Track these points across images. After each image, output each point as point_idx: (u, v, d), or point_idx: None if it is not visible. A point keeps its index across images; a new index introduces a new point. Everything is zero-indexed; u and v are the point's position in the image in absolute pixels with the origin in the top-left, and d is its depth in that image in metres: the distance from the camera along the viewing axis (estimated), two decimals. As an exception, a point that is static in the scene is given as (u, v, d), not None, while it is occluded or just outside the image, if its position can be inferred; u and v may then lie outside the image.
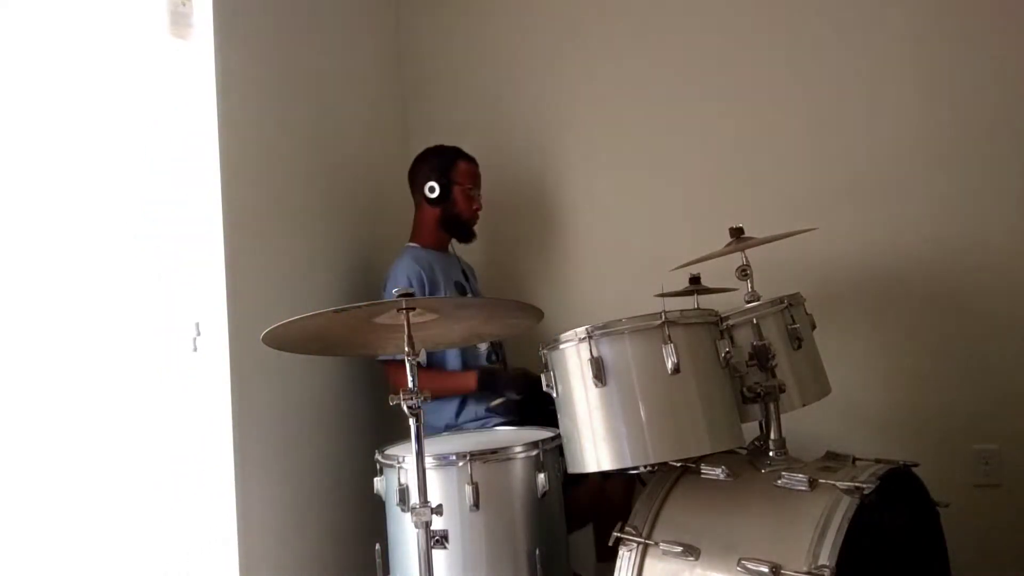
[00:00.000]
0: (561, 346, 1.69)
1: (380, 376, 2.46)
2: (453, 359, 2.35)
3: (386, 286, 2.36)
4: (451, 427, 2.31)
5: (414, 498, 1.50)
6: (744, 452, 1.78)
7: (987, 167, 2.38)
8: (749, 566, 1.49)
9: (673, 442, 1.62)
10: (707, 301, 2.10)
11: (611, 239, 2.78)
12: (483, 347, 2.40)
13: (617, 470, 1.67)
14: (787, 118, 2.58)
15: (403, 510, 1.72)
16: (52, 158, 1.76)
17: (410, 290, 1.48)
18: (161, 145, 1.89)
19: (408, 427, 1.49)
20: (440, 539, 1.68)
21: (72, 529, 1.71)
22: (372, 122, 2.82)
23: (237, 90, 2.02)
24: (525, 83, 2.91)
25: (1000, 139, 2.37)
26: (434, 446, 1.91)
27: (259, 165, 2.10)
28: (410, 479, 1.72)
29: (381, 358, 2.24)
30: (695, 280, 2.12)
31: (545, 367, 1.74)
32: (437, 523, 1.55)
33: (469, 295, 2.50)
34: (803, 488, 1.58)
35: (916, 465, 1.68)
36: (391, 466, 1.79)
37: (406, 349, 1.49)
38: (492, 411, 2.30)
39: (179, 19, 1.91)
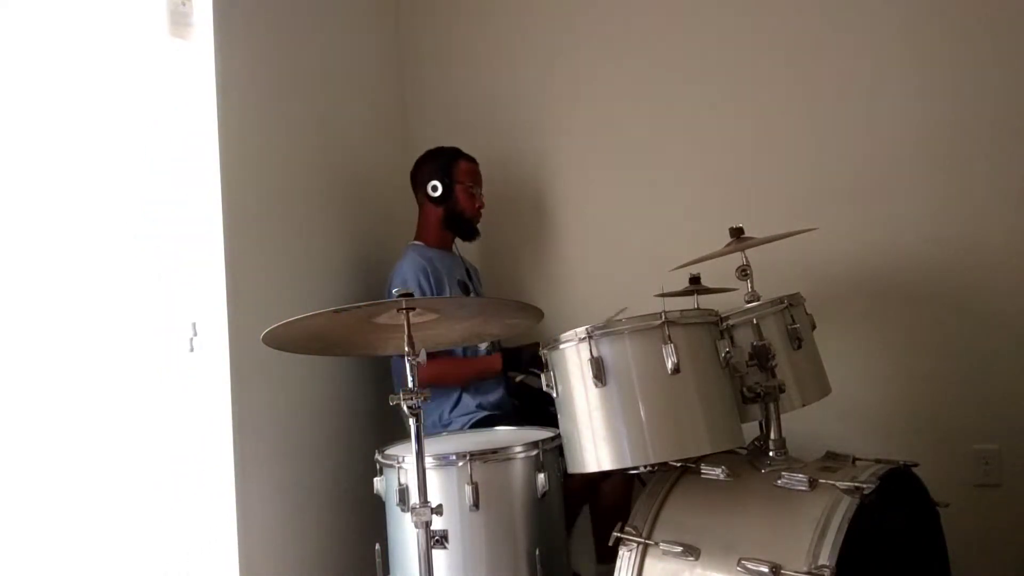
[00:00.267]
0: (561, 346, 1.69)
1: (380, 376, 2.46)
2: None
3: (392, 283, 2.35)
4: (445, 424, 2.31)
5: (414, 498, 1.50)
6: (744, 452, 1.78)
7: (987, 167, 2.38)
8: (749, 566, 1.49)
9: (673, 442, 1.62)
10: (707, 301, 2.10)
11: (611, 239, 2.78)
12: (483, 347, 2.41)
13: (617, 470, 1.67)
14: (787, 118, 2.58)
15: (403, 510, 1.73)
16: (52, 158, 1.76)
17: (410, 290, 1.48)
18: (161, 145, 1.89)
19: (408, 427, 1.50)
20: (440, 539, 1.69)
21: (72, 530, 1.71)
22: (372, 122, 2.82)
23: (237, 90, 2.02)
24: (525, 83, 2.91)
25: (1000, 139, 2.37)
26: (434, 446, 1.91)
27: (259, 165, 2.10)
28: (410, 479, 1.72)
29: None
30: (695, 280, 2.12)
31: (545, 367, 1.74)
32: (437, 523, 1.55)
33: (472, 295, 2.50)
34: (803, 488, 1.58)
35: (916, 465, 1.68)
36: (391, 466, 1.79)
37: (406, 349, 1.50)
38: (518, 386, 2.38)
39: (179, 19, 1.91)
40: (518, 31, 2.93)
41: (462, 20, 3.01)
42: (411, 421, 1.48)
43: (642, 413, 1.61)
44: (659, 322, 1.61)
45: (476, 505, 1.70)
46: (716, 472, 1.67)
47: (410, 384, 1.49)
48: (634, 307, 1.72)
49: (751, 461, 1.74)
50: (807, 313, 1.91)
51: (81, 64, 1.80)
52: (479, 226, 2.55)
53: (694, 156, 2.68)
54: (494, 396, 2.40)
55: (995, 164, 2.37)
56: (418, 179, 2.51)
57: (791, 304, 1.84)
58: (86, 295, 1.78)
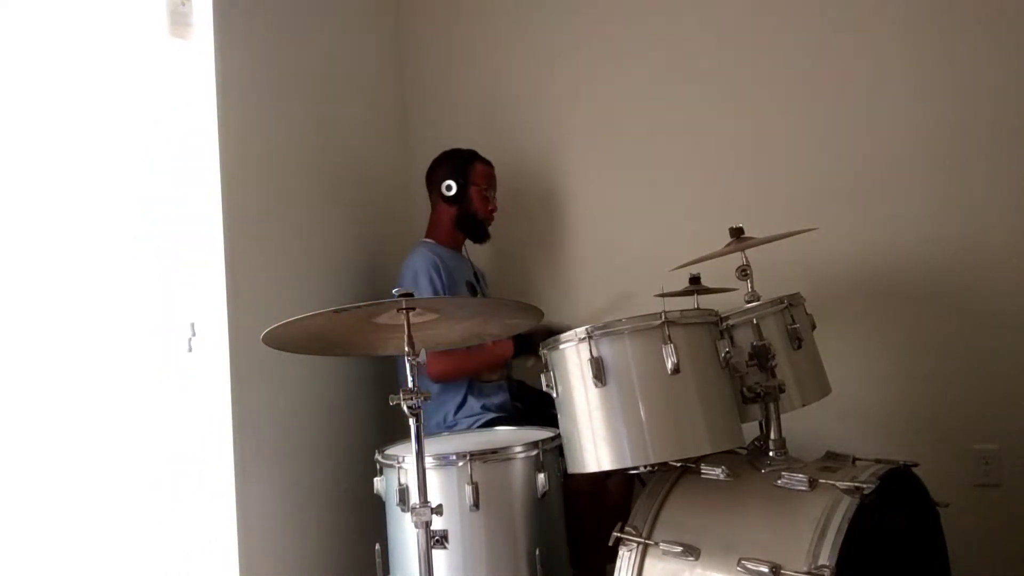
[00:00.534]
0: (561, 346, 1.69)
1: (381, 376, 2.46)
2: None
3: (403, 277, 2.35)
4: (450, 426, 2.31)
5: (414, 498, 1.50)
6: (744, 452, 1.78)
7: (987, 167, 2.38)
8: (749, 566, 1.49)
9: (673, 442, 1.62)
10: (707, 301, 2.10)
11: (611, 239, 2.78)
12: None
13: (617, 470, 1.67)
14: (787, 118, 2.58)
15: (403, 510, 1.73)
16: (52, 158, 1.75)
17: (411, 290, 1.48)
18: (161, 145, 1.89)
19: (408, 427, 1.50)
20: (440, 539, 1.69)
21: (72, 530, 1.71)
22: (372, 122, 2.82)
23: (237, 90, 2.02)
24: (525, 83, 2.91)
25: (1000, 139, 2.37)
26: (434, 446, 1.91)
27: (259, 165, 2.10)
28: (410, 479, 1.72)
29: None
30: (695, 280, 2.12)
31: (545, 367, 1.74)
32: (437, 523, 1.56)
33: (479, 297, 2.51)
34: (803, 488, 1.58)
35: (916, 465, 1.68)
36: (391, 466, 1.79)
37: (406, 349, 1.49)
38: (521, 389, 2.47)
39: (179, 19, 1.91)
40: (518, 31, 2.93)
41: (462, 20, 3.01)
42: (411, 421, 1.48)
43: (642, 413, 1.61)
44: (659, 322, 1.61)
45: (476, 505, 1.70)
46: (716, 472, 1.67)
47: (410, 384, 1.49)
48: (634, 307, 1.72)
49: (751, 461, 1.74)
50: (807, 313, 1.91)
51: (81, 64, 1.80)
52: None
53: (694, 156, 2.68)
54: (499, 398, 2.41)
55: (995, 164, 2.37)
56: (433, 178, 2.52)
57: (791, 304, 1.84)
58: (86, 295, 1.78)
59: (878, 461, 1.68)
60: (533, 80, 2.90)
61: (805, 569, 1.44)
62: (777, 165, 2.58)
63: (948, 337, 2.41)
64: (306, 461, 2.19)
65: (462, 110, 2.97)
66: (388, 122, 2.95)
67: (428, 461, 1.66)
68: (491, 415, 2.31)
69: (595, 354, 1.62)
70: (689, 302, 2.13)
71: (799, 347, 1.82)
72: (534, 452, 1.80)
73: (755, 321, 1.78)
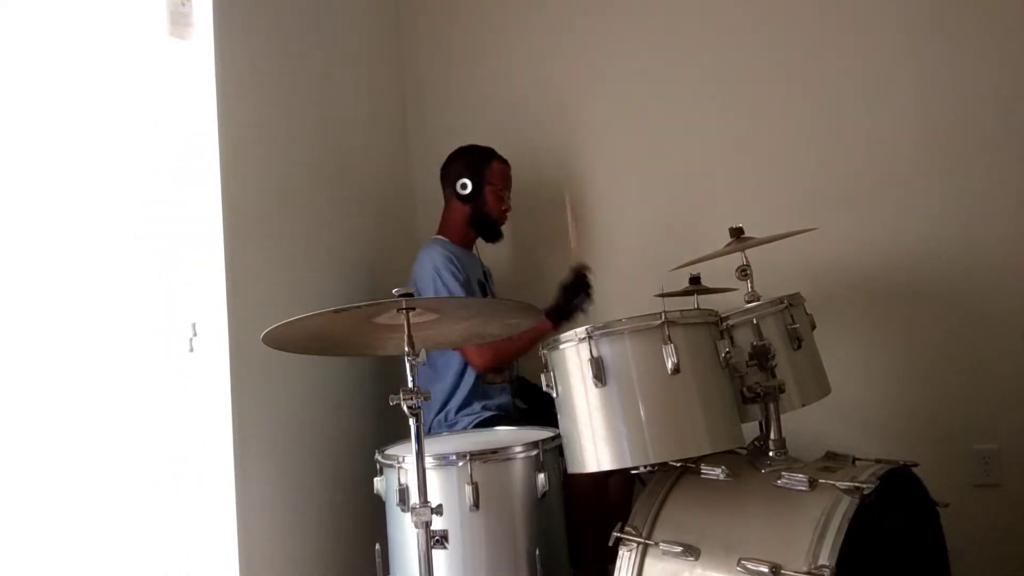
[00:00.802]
0: (561, 346, 1.69)
1: (381, 376, 2.46)
2: (456, 359, 2.36)
3: (422, 272, 2.33)
4: (451, 424, 2.31)
5: (414, 498, 1.50)
6: (744, 452, 1.78)
7: (986, 167, 2.38)
8: (749, 566, 1.49)
9: (673, 442, 1.62)
10: (707, 301, 2.10)
11: (610, 239, 2.78)
12: None
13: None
14: (787, 118, 2.58)
15: (403, 510, 1.72)
16: (52, 158, 1.76)
17: (410, 289, 1.48)
18: (161, 145, 1.89)
19: (408, 427, 1.49)
20: (440, 539, 1.68)
21: (72, 530, 1.71)
22: (372, 122, 2.82)
23: (237, 90, 2.02)
24: (525, 84, 2.91)
25: (1000, 139, 2.37)
26: (434, 446, 1.91)
27: (259, 165, 2.10)
28: (410, 479, 1.72)
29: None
30: (695, 280, 2.12)
31: (545, 367, 1.74)
32: (437, 523, 1.55)
33: (488, 297, 2.50)
34: (803, 488, 1.58)
35: (916, 465, 1.69)
36: (391, 466, 1.79)
37: (406, 349, 1.49)
38: (523, 388, 2.48)
39: (179, 19, 1.91)
40: (518, 31, 2.93)
41: (462, 20, 3.01)
42: (411, 421, 1.48)
43: (642, 413, 1.60)
44: (659, 322, 1.61)
45: (476, 505, 1.70)
46: (716, 472, 1.67)
47: (410, 384, 1.49)
48: (634, 307, 1.72)
49: (751, 461, 1.74)
50: (807, 313, 1.91)
51: (81, 64, 1.80)
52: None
53: (694, 156, 2.68)
54: (501, 399, 2.41)
55: (995, 164, 2.37)
56: (448, 174, 2.49)
57: (791, 304, 1.84)
58: (86, 295, 1.78)
59: (878, 461, 1.69)
60: (533, 80, 2.90)
61: (805, 569, 1.44)
62: (777, 165, 2.58)
63: (948, 337, 2.41)
64: (306, 461, 2.19)
65: (462, 110, 2.97)
66: (388, 122, 2.95)
67: (428, 461, 1.66)
68: (490, 413, 2.31)
69: (595, 354, 1.62)
70: (689, 302, 2.13)
71: (799, 347, 1.82)
72: (534, 452, 1.80)
73: (755, 321, 1.78)
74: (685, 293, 2.13)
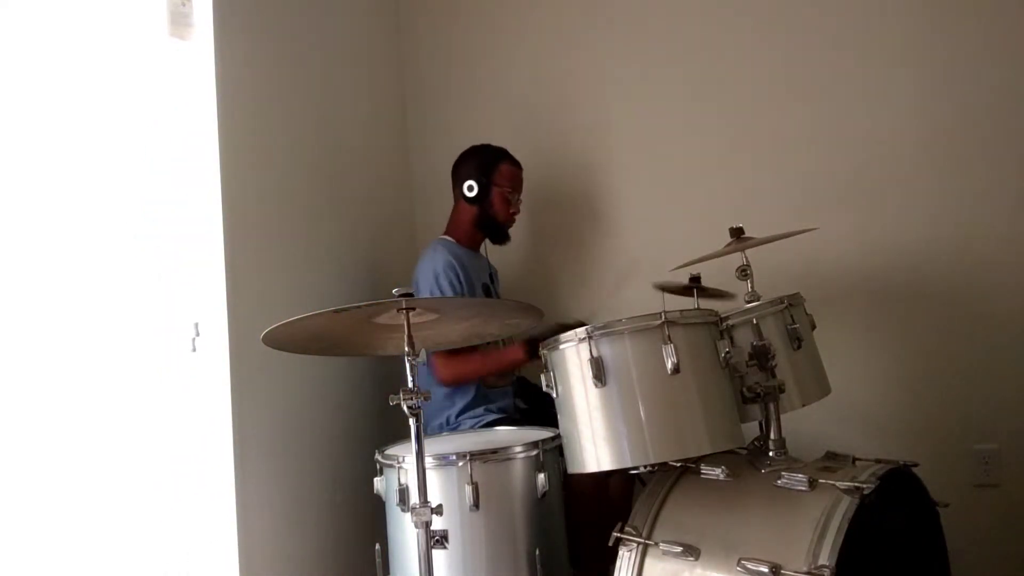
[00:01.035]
0: (561, 346, 1.69)
1: (381, 376, 2.46)
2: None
3: (422, 275, 2.32)
4: (452, 427, 2.31)
5: (414, 498, 1.51)
6: (744, 452, 1.78)
7: (986, 167, 2.38)
8: (749, 566, 1.49)
9: (673, 442, 1.62)
10: (707, 300, 2.10)
11: (610, 239, 2.78)
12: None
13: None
14: (787, 118, 2.58)
15: (403, 510, 1.72)
16: (52, 158, 1.76)
17: (410, 289, 1.48)
18: (161, 145, 1.89)
19: (408, 427, 1.49)
20: (440, 539, 1.69)
21: (72, 529, 1.71)
22: (372, 122, 2.82)
23: (237, 90, 2.02)
24: (524, 83, 2.91)
25: (1000, 139, 2.37)
26: (434, 446, 1.91)
27: (259, 165, 2.10)
28: (410, 479, 1.72)
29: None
30: (695, 280, 2.12)
31: (545, 367, 1.74)
32: (437, 523, 1.56)
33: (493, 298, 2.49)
34: (803, 488, 1.58)
35: (916, 465, 1.69)
36: (391, 466, 1.79)
37: (406, 349, 1.49)
38: (525, 388, 2.46)
39: (179, 19, 1.91)
40: (518, 31, 2.93)
41: (462, 19, 3.01)
42: (411, 421, 1.48)
43: (642, 413, 1.60)
44: (659, 322, 1.61)
45: (476, 505, 1.70)
46: (716, 472, 1.67)
47: (410, 384, 1.49)
48: (634, 307, 1.72)
49: (751, 461, 1.74)
50: (807, 313, 1.91)
51: (81, 64, 1.80)
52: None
53: (694, 156, 2.68)
54: (503, 402, 2.41)
55: (994, 164, 2.37)
56: (458, 173, 2.47)
57: (791, 304, 1.84)
58: (87, 295, 1.78)
59: (878, 461, 1.69)
60: (533, 80, 2.90)
61: (805, 569, 1.44)
62: (777, 165, 2.58)
63: (948, 337, 2.41)
64: (306, 461, 2.19)
65: (462, 109, 2.97)
66: (388, 122, 2.95)
67: (428, 461, 1.66)
68: (493, 416, 2.30)
69: (595, 354, 1.62)
70: (689, 302, 2.13)
71: (799, 347, 1.82)
72: (534, 452, 1.80)
73: (755, 321, 1.78)
74: (685, 291, 2.13)
